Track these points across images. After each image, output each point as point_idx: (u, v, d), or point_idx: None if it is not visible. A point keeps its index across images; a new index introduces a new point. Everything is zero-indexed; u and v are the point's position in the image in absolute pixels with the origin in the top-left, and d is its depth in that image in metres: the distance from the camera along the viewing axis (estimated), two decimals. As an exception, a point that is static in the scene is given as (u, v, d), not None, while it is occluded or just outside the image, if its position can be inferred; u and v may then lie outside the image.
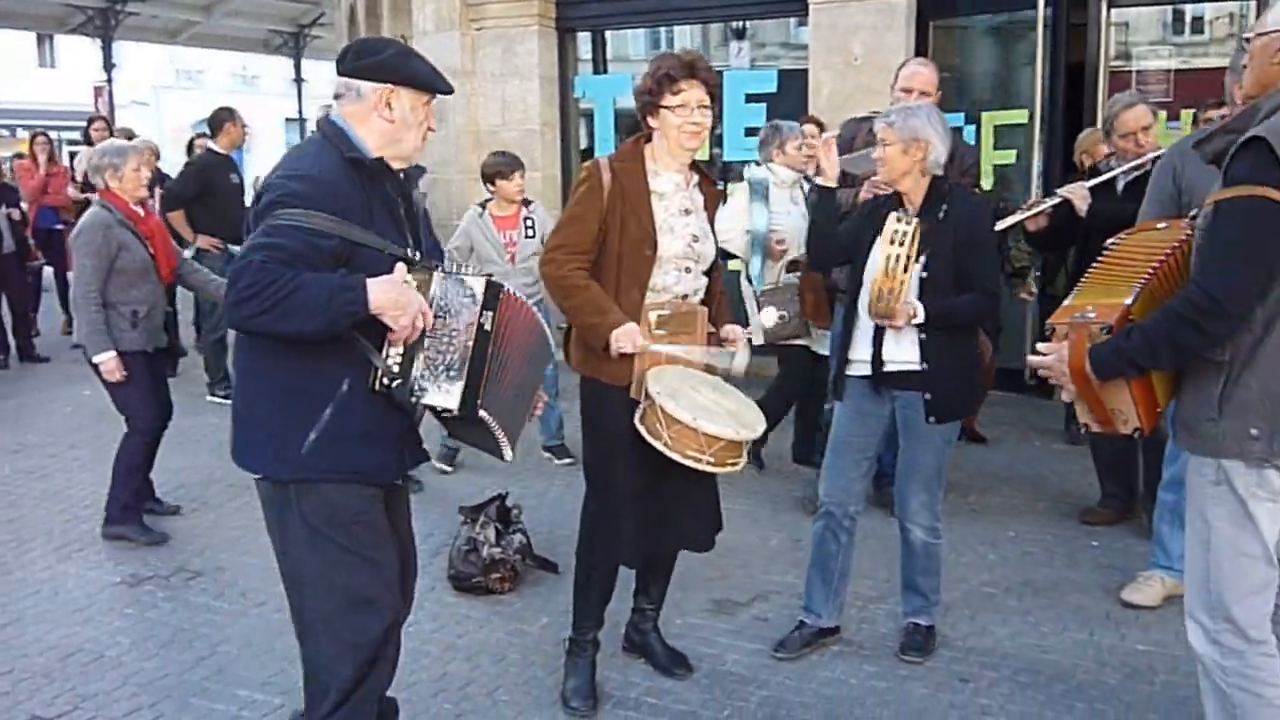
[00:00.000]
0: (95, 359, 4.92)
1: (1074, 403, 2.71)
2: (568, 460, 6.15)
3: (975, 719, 3.40)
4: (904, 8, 7.55)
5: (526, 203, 6.14)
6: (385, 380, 2.63)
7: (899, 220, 3.51)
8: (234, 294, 2.48)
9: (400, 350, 2.63)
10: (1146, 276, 2.62)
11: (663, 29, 9.58)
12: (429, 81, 2.80)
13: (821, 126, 6.26)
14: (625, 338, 3.26)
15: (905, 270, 3.46)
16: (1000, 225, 5.20)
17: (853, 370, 3.72)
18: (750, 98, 8.11)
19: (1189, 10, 8.25)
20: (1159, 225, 2.94)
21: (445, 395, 2.65)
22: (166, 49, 28.20)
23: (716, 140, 8.45)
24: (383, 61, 2.71)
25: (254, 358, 2.71)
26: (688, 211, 3.44)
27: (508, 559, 4.41)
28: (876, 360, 3.62)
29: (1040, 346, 2.73)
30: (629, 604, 3.81)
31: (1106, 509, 5.09)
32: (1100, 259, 2.81)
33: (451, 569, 4.45)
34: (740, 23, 9.11)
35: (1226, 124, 2.67)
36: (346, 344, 2.60)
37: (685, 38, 9.66)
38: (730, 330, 3.53)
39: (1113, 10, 7.35)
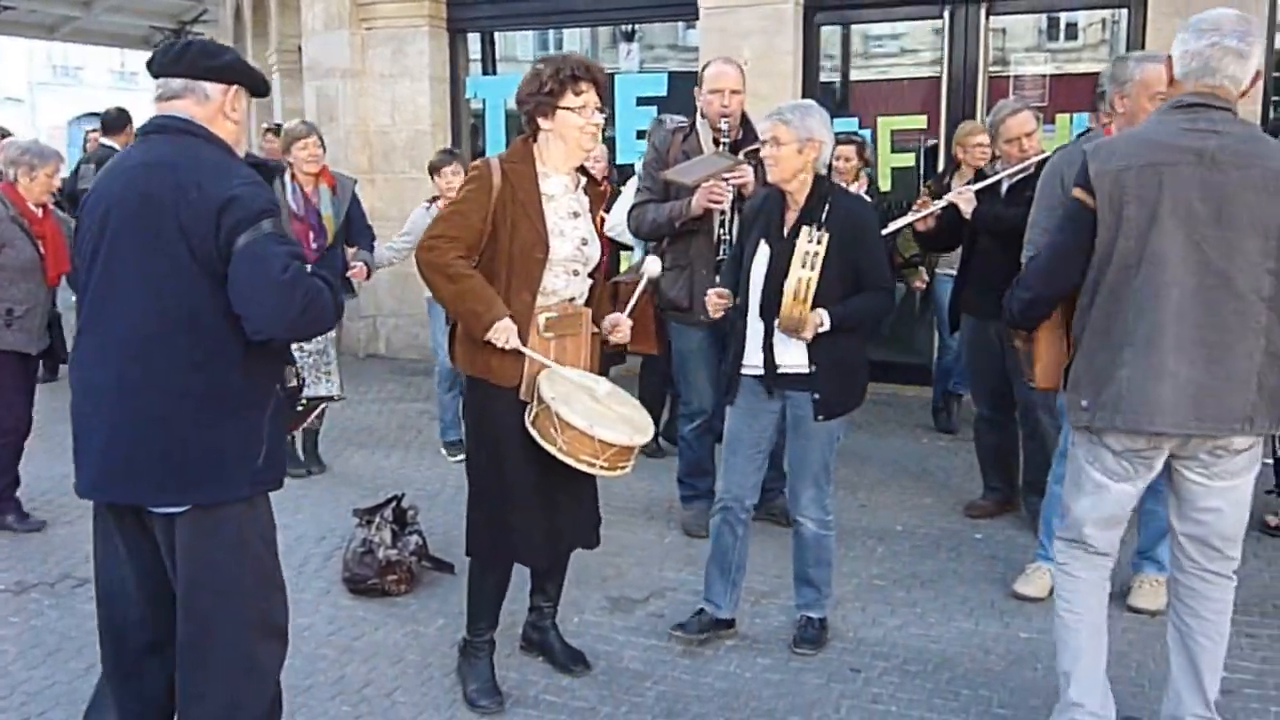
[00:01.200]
0: None
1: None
2: (462, 457, 6.13)
3: (866, 708, 3.49)
4: (792, 12, 7.69)
5: None
6: (296, 383, 2.68)
7: (810, 240, 3.52)
8: (302, 300, 2.52)
9: (305, 353, 2.69)
10: None
11: (552, 31, 9.59)
12: (262, 85, 2.82)
13: None
14: (503, 333, 3.27)
15: (809, 295, 3.51)
16: (891, 227, 5.36)
17: (746, 371, 3.78)
18: (641, 100, 8.18)
19: (1064, 17, 8.56)
20: None
21: (328, 386, 2.75)
22: (44, 44, 27.17)
23: (609, 143, 8.50)
24: (228, 64, 2.74)
25: (203, 378, 2.59)
26: (576, 214, 3.45)
27: (404, 560, 4.38)
28: (769, 364, 3.69)
29: None
30: (524, 603, 3.81)
31: (989, 501, 5.26)
32: None
33: (346, 571, 4.40)
34: (630, 25, 9.17)
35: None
36: (277, 353, 2.68)
37: (575, 40, 9.68)
38: (612, 319, 3.58)
39: (992, 17, 7.62)
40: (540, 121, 3.37)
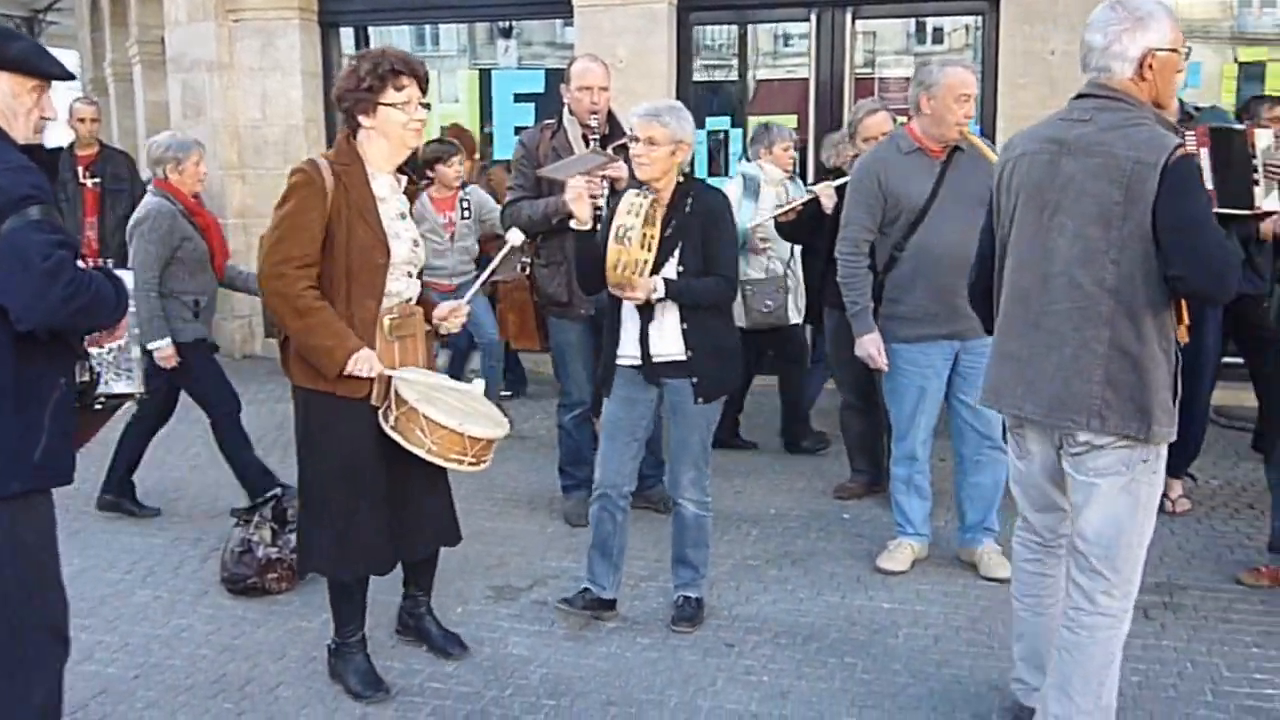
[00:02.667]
0: (150, 346, 4.73)
1: None
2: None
3: (740, 679, 3.64)
4: (666, 12, 7.85)
5: (462, 185, 6.49)
6: (88, 378, 2.62)
7: (637, 194, 3.61)
8: (64, 290, 2.39)
9: (105, 349, 2.64)
10: None
11: (428, 26, 9.57)
12: (30, 65, 2.55)
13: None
14: (365, 363, 3.22)
15: (643, 248, 3.57)
16: (757, 219, 5.56)
17: (622, 362, 3.89)
18: (519, 97, 8.25)
19: (930, 22, 8.89)
20: None
21: (128, 383, 2.73)
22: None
23: (487, 139, 8.55)
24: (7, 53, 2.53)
25: None
26: (403, 215, 3.42)
27: (284, 558, 4.36)
28: (645, 354, 3.81)
29: None
30: (399, 594, 3.87)
31: (856, 484, 5.50)
32: None
33: (225, 572, 4.38)
34: (507, 22, 9.21)
35: None
36: (62, 346, 2.57)
37: (451, 35, 9.68)
38: (444, 307, 3.61)
39: (858, 21, 7.90)
40: (361, 119, 3.26)
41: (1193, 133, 4.26)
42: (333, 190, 3.21)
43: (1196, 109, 4.94)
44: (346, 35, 9.19)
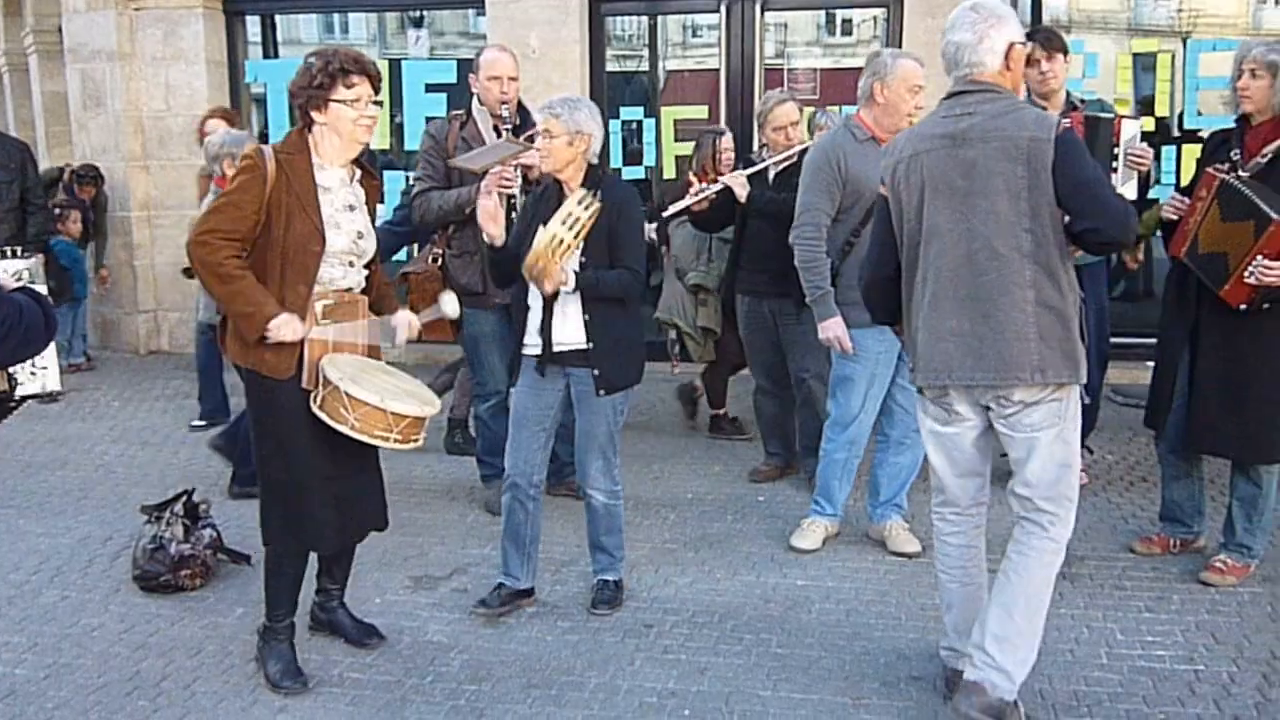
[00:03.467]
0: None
1: None
2: None
3: (658, 658, 3.72)
4: (578, 3, 7.87)
5: None
6: (5, 387, 2.61)
7: (580, 203, 3.62)
8: None
9: None
10: None
11: (337, 15, 9.47)
12: None
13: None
14: (285, 327, 3.30)
15: (566, 251, 3.63)
16: (670, 210, 5.63)
17: (527, 351, 3.93)
18: (430, 87, 8.20)
19: (840, 14, 9.03)
20: None
21: (41, 384, 2.69)
22: None
23: (397, 130, 8.49)
24: None
25: None
26: (352, 208, 3.49)
27: (198, 554, 4.33)
28: (546, 343, 3.85)
29: None
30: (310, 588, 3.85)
31: (770, 466, 5.61)
32: None
33: (136, 569, 4.32)
34: (418, 11, 9.15)
35: None
36: None
37: (361, 24, 9.58)
38: (401, 317, 3.66)
39: (767, 13, 8.01)
40: (313, 115, 3.39)
41: (1068, 119, 4.43)
42: (274, 177, 3.33)
43: (1082, 100, 5.13)
44: (253, 24, 9.05)
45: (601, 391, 3.86)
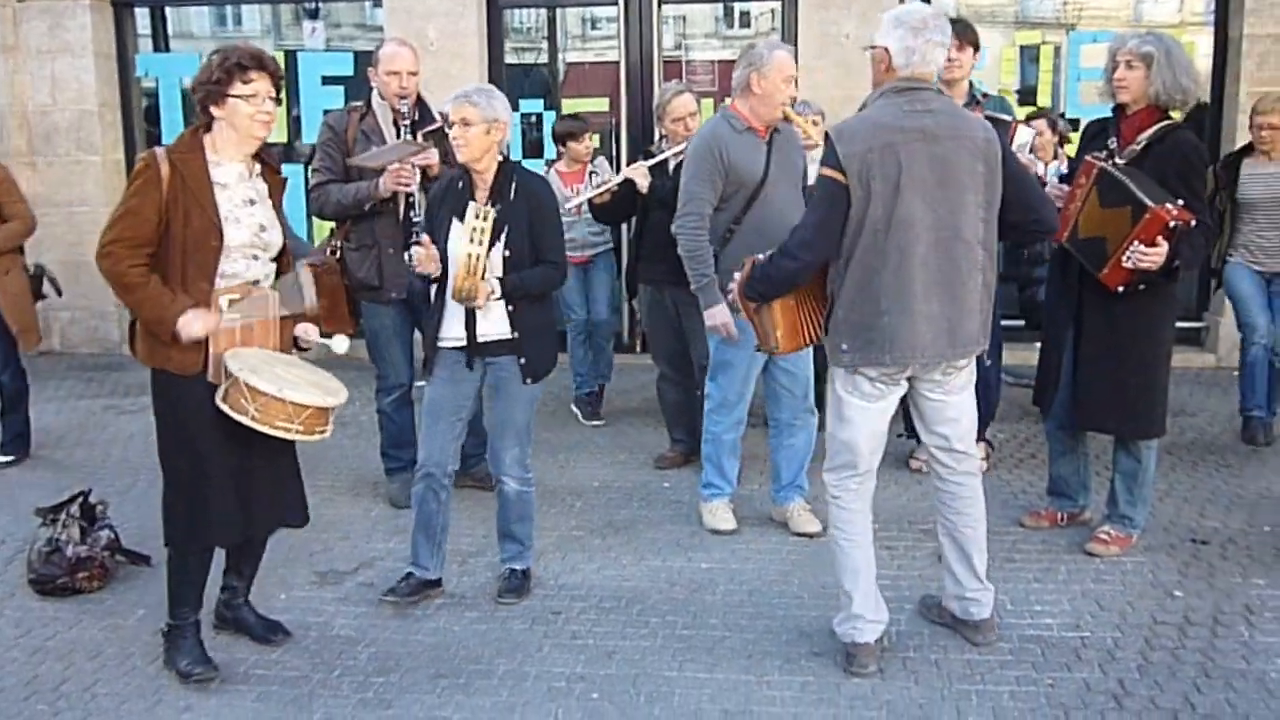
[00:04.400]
0: None
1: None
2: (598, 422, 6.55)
3: (566, 644, 3.77)
4: (476, -5, 7.86)
5: (591, 159, 6.59)
6: None
7: (477, 216, 3.68)
8: None
9: None
10: None
11: (229, 7, 9.28)
12: None
13: None
14: (196, 320, 3.33)
15: (481, 264, 3.69)
16: (573, 202, 5.67)
17: (445, 344, 3.94)
18: (327, 80, 8.11)
19: (738, 6, 9.13)
20: None
21: None
22: None
23: (294, 123, 8.38)
24: None
25: None
26: (252, 201, 3.51)
27: (95, 556, 4.26)
28: (470, 334, 3.87)
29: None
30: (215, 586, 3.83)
31: (675, 453, 5.69)
32: None
33: (32, 573, 4.24)
34: (313, 3, 9.02)
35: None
36: None
37: (254, 16, 9.40)
38: (303, 328, 3.66)
39: (665, 5, 8.08)
40: (212, 110, 3.42)
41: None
42: (168, 178, 3.36)
43: (985, 95, 5.29)
44: (142, 16, 8.82)
45: (528, 379, 3.90)
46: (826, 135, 3.36)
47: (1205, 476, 5.38)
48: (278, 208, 3.62)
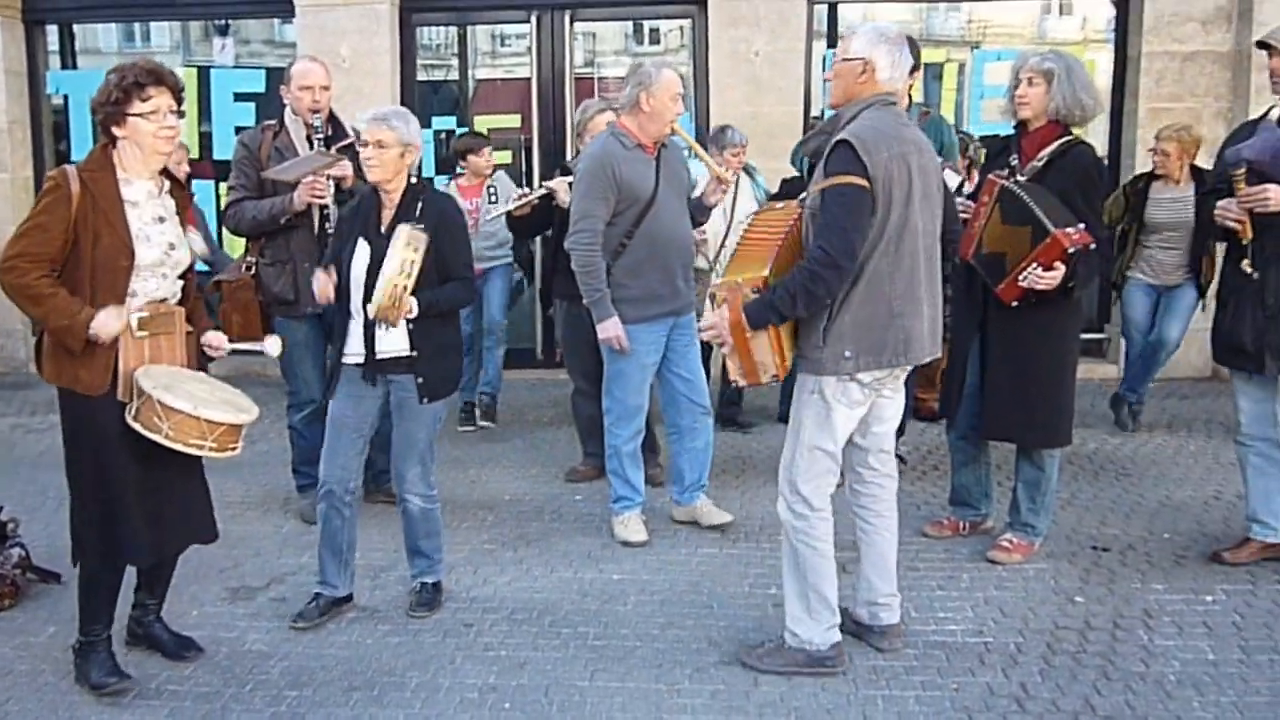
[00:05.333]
0: None
1: (727, 359, 3.55)
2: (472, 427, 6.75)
3: (479, 656, 3.81)
4: (388, 13, 7.88)
5: (491, 173, 6.73)
6: None
7: (410, 246, 3.68)
8: None
9: None
10: (777, 248, 3.49)
11: (138, 24, 9.18)
12: None
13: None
14: (106, 324, 3.31)
15: (406, 291, 3.72)
16: (493, 213, 5.76)
17: (348, 360, 3.96)
18: (239, 96, 8.06)
19: (648, 24, 9.26)
20: (776, 206, 3.84)
21: None
22: None
23: (205, 139, 8.30)
24: None
25: None
26: (162, 219, 3.51)
27: (6, 574, 4.22)
28: (370, 351, 3.90)
29: (706, 313, 3.55)
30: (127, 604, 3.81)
31: (587, 466, 5.74)
32: (740, 239, 3.72)
33: (-60, 592, 4.17)
34: (223, 20, 8.96)
35: (820, 128, 3.65)
36: None
37: (164, 33, 9.31)
38: (212, 337, 3.67)
39: (576, 23, 8.18)
40: (115, 130, 3.41)
41: None
42: (78, 196, 3.34)
43: (926, 111, 5.44)
44: (52, 32, 8.69)
45: (425, 398, 3.93)
46: (847, 143, 3.33)
47: (1107, 485, 5.59)
48: (186, 224, 3.62)
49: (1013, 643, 3.86)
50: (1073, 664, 3.72)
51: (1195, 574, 4.43)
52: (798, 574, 3.61)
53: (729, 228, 6.09)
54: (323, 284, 3.92)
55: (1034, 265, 4.09)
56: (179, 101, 3.44)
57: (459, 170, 6.83)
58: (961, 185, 5.15)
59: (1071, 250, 4.02)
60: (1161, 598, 4.22)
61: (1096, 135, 7.27)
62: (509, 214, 5.70)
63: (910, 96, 5.37)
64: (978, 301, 4.44)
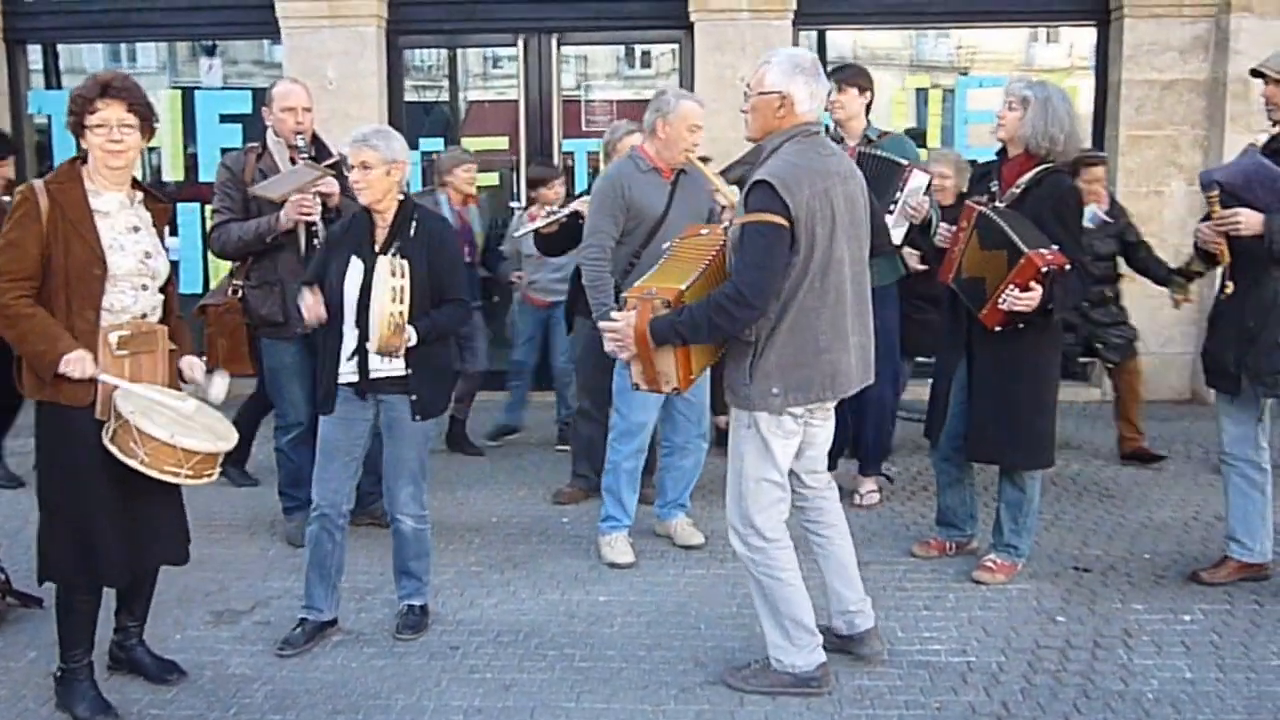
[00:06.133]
0: None
1: (629, 364, 3.52)
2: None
3: (464, 678, 3.79)
4: (375, 35, 7.90)
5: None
6: None
7: (393, 274, 3.68)
8: None
9: None
10: (702, 269, 3.51)
11: (124, 44, 9.17)
12: None
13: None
14: (76, 364, 3.29)
15: (403, 319, 3.72)
16: (524, 229, 5.85)
17: (342, 380, 3.95)
18: (225, 118, 8.06)
19: (639, 48, 9.29)
20: (702, 230, 3.82)
21: None
22: None
23: (191, 161, 8.30)
24: None
25: None
26: (136, 229, 3.50)
27: (-18, 598, 4.18)
28: (364, 371, 3.90)
29: (613, 314, 3.50)
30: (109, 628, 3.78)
31: (575, 488, 5.74)
32: (670, 253, 3.75)
33: (-82, 617, 4.14)
34: (210, 41, 8.96)
35: (743, 158, 3.68)
36: None
37: (150, 53, 9.30)
38: (188, 362, 3.63)
39: (564, 47, 8.23)
40: (81, 143, 3.43)
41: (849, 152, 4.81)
42: (47, 210, 3.35)
43: (882, 133, 5.46)
44: (34, 52, 8.68)
45: (418, 417, 3.93)
46: (765, 183, 3.31)
47: (1089, 507, 5.61)
48: (161, 236, 3.60)
49: (995, 662, 3.88)
50: (1053, 683, 3.73)
51: (1174, 594, 4.46)
52: (769, 606, 3.62)
53: None
54: (311, 304, 3.91)
55: (1011, 287, 4.12)
56: (142, 115, 3.43)
57: (529, 199, 6.78)
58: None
59: (1045, 270, 4.05)
60: (1141, 617, 4.25)
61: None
62: (537, 232, 5.74)
63: (868, 120, 5.40)
64: (961, 325, 4.48)
